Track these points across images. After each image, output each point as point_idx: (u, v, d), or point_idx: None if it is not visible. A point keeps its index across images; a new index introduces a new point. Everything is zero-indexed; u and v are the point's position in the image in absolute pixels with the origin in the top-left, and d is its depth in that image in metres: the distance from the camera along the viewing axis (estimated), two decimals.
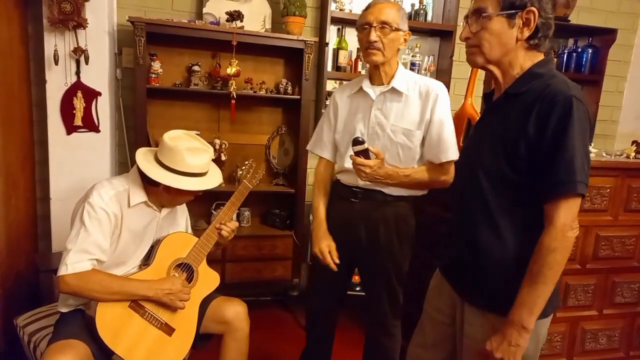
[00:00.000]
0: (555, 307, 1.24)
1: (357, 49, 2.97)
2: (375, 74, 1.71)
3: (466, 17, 1.23)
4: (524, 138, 1.11)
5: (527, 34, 1.14)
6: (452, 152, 1.66)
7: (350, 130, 1.74)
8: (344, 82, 1.93)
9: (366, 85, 1.72)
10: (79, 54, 2.34)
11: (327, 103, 1.90)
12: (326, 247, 1.72)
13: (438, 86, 1.68)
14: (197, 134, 1.70)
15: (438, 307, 1.43)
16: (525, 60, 1.19)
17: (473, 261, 1.24)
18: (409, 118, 1.67)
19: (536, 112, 1.10)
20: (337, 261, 1.70)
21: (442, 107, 1.66)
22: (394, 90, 1.68)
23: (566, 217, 1.08)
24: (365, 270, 1.81)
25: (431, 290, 1.49)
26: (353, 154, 1.58)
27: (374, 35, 1.60)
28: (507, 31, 1.15)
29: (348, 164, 1.69)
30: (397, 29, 1.62)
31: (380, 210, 1.71)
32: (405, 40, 1.68)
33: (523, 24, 1.14)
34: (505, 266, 1.17)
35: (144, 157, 1.58)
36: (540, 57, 1.20)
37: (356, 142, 1.56)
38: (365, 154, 1.57)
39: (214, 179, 1.66)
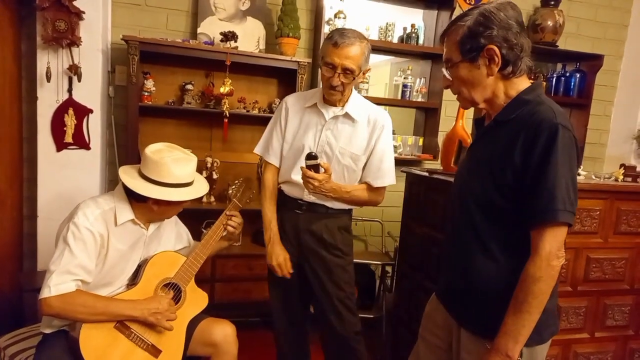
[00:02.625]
0: (553, 332, 1.22)
1: None
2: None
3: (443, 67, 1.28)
4: (510, 166, 1.12)
5: (495, 68, 1.17)
6: (388, 179, 1.80)
7: (299, 145, 1.78)
8: (298, 92, 1.97)
9: (320, 104, 1.77)
10: (73, 72, 2.34)
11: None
12: (283, 260, 1.82)
13: (385, 117, 1.78)
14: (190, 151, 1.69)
15: (434, 331, 1.41)
16: (508, 88, 1.20)
17: (467, 287, 1.24)
18: (356, 143, 1.76)
19: (522, 140, 1.11)
20: (291, 271, 1.82)
21: (386, 138, 1.78)
22: (346, 115, 1.75)
23: (551, 245, 1.07)
24: (315, 279, 1.84)
25: (427, 314, 1.47)
26: (304, 166, 1.62)
27: (336, 81, 1.65)
28: (476, 73, 1.19)
29: (295, 176, 1.75)
30: (360, 72, 1.67)
31: (324, 220, 1.81)
32: (364, 74, 1.72)
33: (489, 61, 1.16)
34: (499, 292, 1.15)
35: (128, 175, 1.56)
36: (524, 81, 1.21)
37: (310, 157, 1.61)
38: (315, 168, 1.61)
39: (201, 187, 1.66)
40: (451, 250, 1.34)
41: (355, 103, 1.78)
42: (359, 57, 1.63)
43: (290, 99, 1.86)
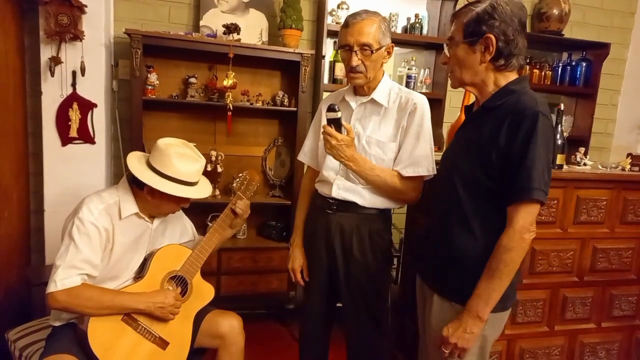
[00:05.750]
0: (512, 302, 1.36)
1: None
2: (359, 87, 1.69)
3: (444, 44, 1.38)
4: (495, 147, 1.22)
5: (488, 57, 1.27)
6: (422, 168, 1.61)
7: None
8: (335, 92, 1.90)
9: (348, 96, 1.72)
10: (57, 63, 2.32)
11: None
12: (298, 267, 1.82)
13: (419, 98, 1.65)
14: (195, 146, 1.69)
15: (421, 307, 1.52)
16: (498, 79, 1.30)
17: (445, 256, 1.35)
18: (385, 130, 1.65)
19: (507, 125, 1.21)
20: (307, 279, 1.81)
21: (420, 120, 1.62)
22: (373, 102, 1.66)
23: (525, 220, 1.19)
24: (342, 285, 1.74)
25: (417, 301, 1.57)
26: (326, 121, 1.55)
27: (355, 60, 1.57)
28: (471, 56, 1.29)
29: (326, 172, 1.71)
30: (379, 48, 1.58)
31: (355, 223, 1.68)
32: (389, 53, 1.63)
33: (484, 49, 1.26)
34: (476, 263, 1.25)
35: (135, 158, 1.57)
36: (513, 75, 1.31)
37: (330, 108, 1.52)
38: (337, 124, 1.53)
39: (200, 191, 1.62)
40: (435, 224, 1.44)
41: (385, 88, 1.67)
42: (374, 31, 1.55)
43: (323, 101, 1.86)
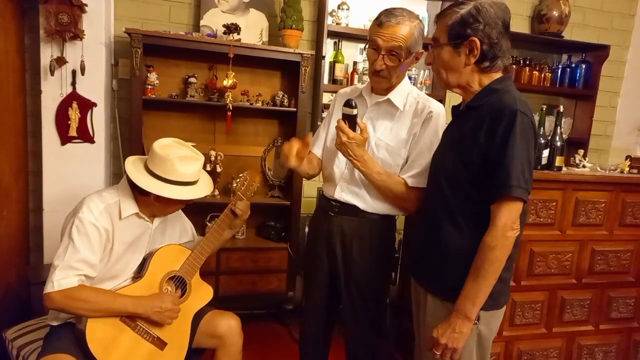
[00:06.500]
0: (506, 300, 1.37)
1: (354, 62, 2.99)
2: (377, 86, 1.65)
3: (430, 45, 1.37)
4: (477, 145, 1.24)
5: (472, 59, 1.27)
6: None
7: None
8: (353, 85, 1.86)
9: (365, 92, 1.68)
10: (62, 63, 2.32)
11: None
12: (295, 141, 1.63)
13: (436, 106, 1.60)
14: (194, 145, 1.69)
15: (416, 309, 1.52)
16: (482, 79, 1.31)
17: (435, 254, 1.36)
18: (396, 135, 1.61)
19: (487, 123, 1.23)
20: (294, 162, 1.61)
21: (434, 129, 1.57)
22: (389, 103, 1.62)
23: (507, 218, 1.19)
24: (342, 286, 1.73)
25: (412, 302, 1.58)
26: (341, 116, 1.50)
27: (380, 64, 1.51)
28: (456, 59, 1.29)
29: (332, 171, 1.69)
30: (409, 55, 1.52)
31: (355, 226, 1.66)
32: (417, 59, 1.58)
33: (469, 52, 1.27)
34: (464, 259, 1.26)
35: (133, 167, 1.56)
36: (498, 75, 1.32)
37: (347, 104, 1.46)
38: (352, 121, 1.47)
39: (204, 188, 1.64)
40: (423, 223, 1.46)
41: (403, 91, 1.61)
42: (406, 37, 1.48)
43: (341, 90, 1.80)
